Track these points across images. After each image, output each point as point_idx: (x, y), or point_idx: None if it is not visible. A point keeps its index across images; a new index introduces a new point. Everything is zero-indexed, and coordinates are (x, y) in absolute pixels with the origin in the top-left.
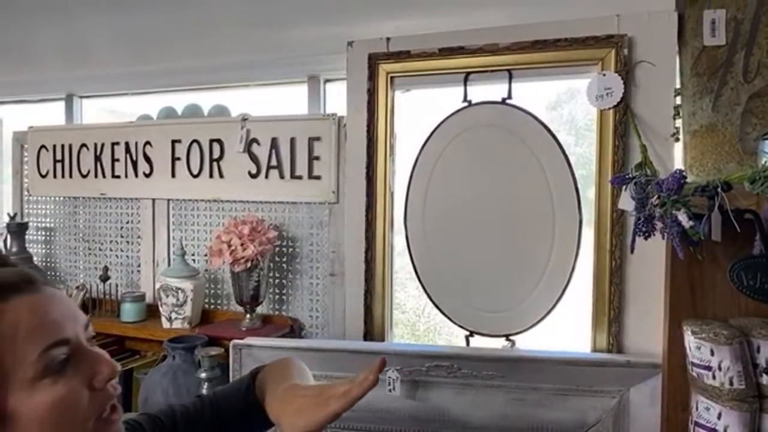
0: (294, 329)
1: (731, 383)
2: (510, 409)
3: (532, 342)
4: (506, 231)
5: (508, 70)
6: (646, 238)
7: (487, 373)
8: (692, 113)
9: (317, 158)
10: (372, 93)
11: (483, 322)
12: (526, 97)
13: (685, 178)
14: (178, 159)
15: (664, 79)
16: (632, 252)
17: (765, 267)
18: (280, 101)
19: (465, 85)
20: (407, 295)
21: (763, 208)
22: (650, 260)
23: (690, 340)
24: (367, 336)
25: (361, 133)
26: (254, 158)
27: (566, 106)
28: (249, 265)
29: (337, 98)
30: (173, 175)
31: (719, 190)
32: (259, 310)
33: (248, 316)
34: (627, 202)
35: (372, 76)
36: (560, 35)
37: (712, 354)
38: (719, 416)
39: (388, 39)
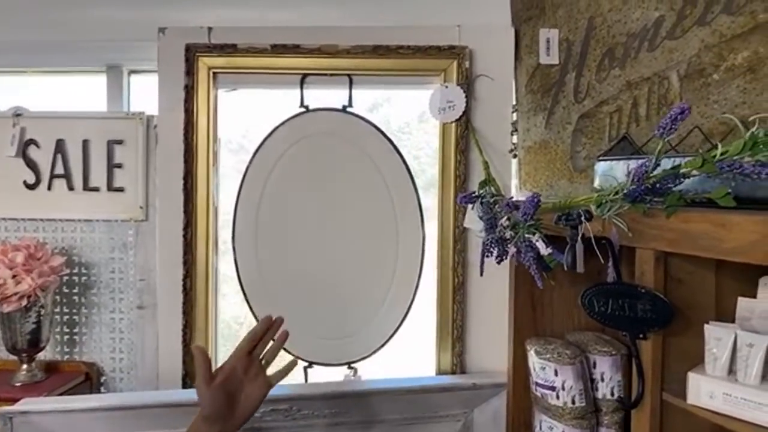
0: (90, 377)
1: (573, 402)
2: None
3: (377, 368)
4: (348, 249)
5: (349, 75)
6: (499, 262)
7: (330, 411)
8: (527, 129)
9: (119, 166)
10: (190, 90)
11: (323, 350)
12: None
13: (540, 201)
14: None
15: (502, 94)
16: (482, 275)
17: (616, 294)
18: (69, 95)
19: (301, 88)
20: (226, 302)
21: (611, 232)
22: (491, 277)
23: (534, 361)
24: (188, 379)
25: (176, 136)
26: (32, 164)
27: (381, 109)
28: (25, 302)
29: (145, 94)
30: None
31: (582, 219)
32: (42, 356)
33: (25, 366)
34: (473, 220)
35: (190, 71)
36: (402, 42)
37: (556, 374)
38: None
39: (209, 29)
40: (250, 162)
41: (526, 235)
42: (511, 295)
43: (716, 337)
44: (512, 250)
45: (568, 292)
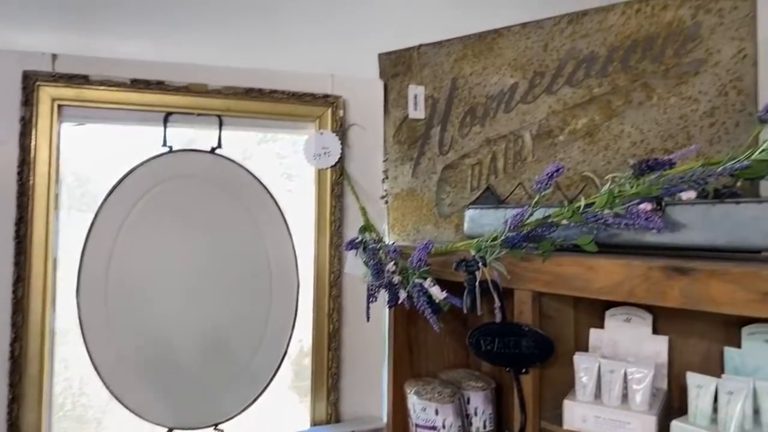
0: None
1: None
2: None
3: (245, 426)
4: (216, 300)
5: (219, 116)
6: (390, 307)
7: None
8: (395, 177)
9: None
10: (28, 123)
11: (185, 412)
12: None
13: (432, 247)
14: None
15: (373, 143)
16: (368, 320)
17: (501, 333)
18: None
19: (165, 126)
20: None
21: (493, 275)
22: (364, 322)
23: (414, 402)
24: None
25: (7, 175)
26: None
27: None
28: None
29: None
30: None
31: (480, 265)
32: None
33: None
34: (355, 266)
35: (29, 101)
36: (276, 86)
37: (437, 413)
38: None
39: (54, 56)
40: (102, 205)
41: (417, 281)
42: (390, 338)
43: (584, 366)
44: (403, 295)
45: (439, 331)
